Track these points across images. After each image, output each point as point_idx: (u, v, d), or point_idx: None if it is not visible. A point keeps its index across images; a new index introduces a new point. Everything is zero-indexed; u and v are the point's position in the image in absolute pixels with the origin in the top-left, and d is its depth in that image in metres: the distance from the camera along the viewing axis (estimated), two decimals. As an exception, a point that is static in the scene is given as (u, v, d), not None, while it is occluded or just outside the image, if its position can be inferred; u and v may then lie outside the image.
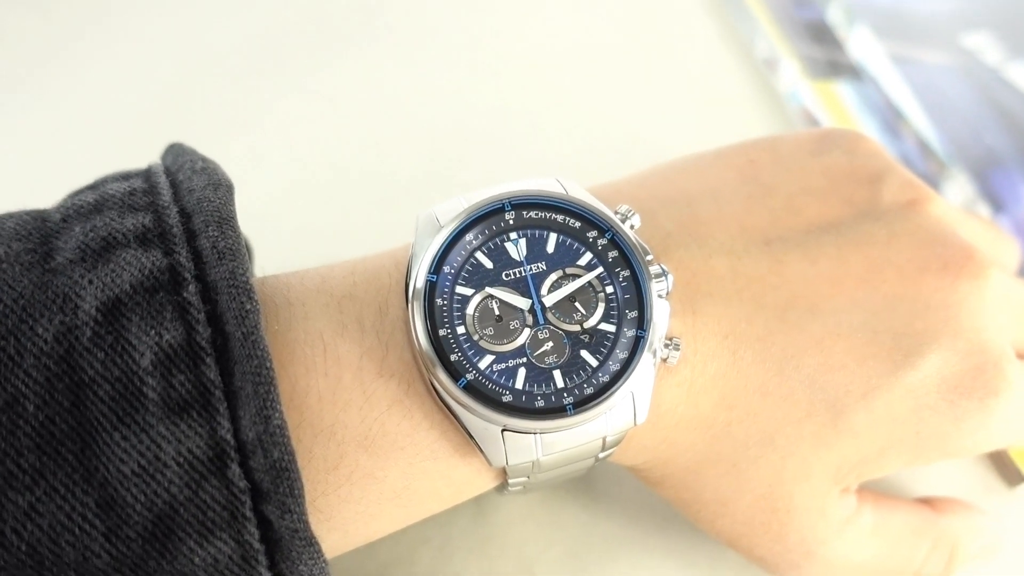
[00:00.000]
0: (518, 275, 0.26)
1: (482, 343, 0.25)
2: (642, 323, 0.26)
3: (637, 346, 0.26)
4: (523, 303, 0.26)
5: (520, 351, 0.25)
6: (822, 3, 0.51)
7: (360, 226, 0.41)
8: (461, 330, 0.25)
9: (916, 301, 0.28)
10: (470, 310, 0.26)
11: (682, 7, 0.53)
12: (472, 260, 0.26)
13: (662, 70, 0.49)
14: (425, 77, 0.49)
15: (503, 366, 0.25)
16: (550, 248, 0.27)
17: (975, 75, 0.48)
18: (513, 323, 0.26)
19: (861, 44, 0.49)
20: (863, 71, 0.48)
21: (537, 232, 0.27)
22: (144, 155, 0.30)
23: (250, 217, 0.29)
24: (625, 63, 0.50)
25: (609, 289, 0.26)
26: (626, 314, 0.26)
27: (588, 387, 0.25)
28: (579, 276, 0.26)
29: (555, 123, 0.47)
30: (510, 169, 0.44)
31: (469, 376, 0.25)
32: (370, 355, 0.25)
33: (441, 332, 0.25)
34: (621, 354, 0.26)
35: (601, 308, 0.26)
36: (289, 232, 0.41)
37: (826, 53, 0.49)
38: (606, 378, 0.25)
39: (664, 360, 0.26)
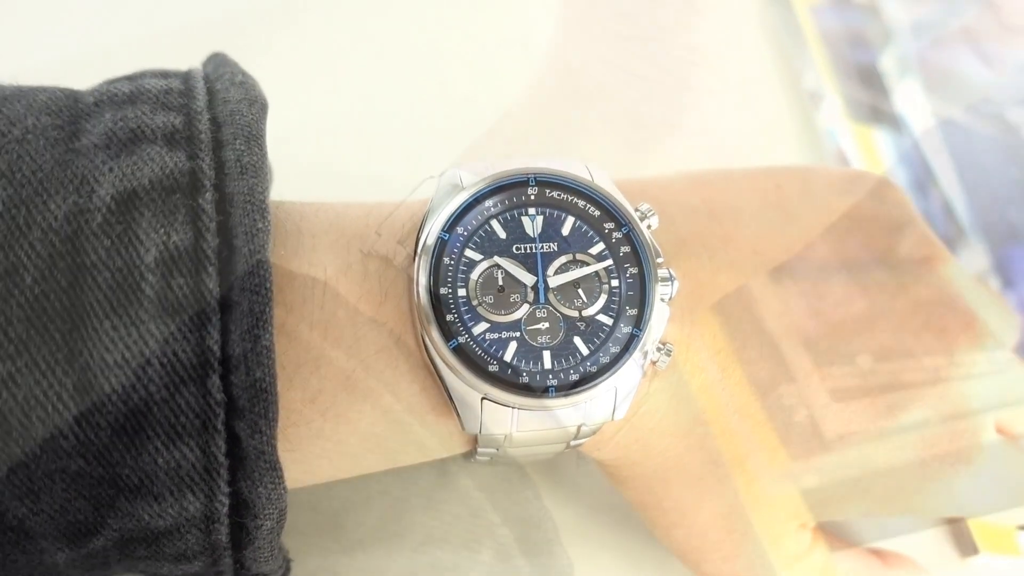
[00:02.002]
0: (528, 251, 0.26)
1: (480, 309, 0.25)
2: (639, 322, 0.26)
3: (630, 344, 0.26)
4: (528, 279, 0.26)
5: (515, 325, 0.26)
6: (877, 49, 0.51)
7: (381, 173, 0.41)
8: (462, 293, 0.25)
9: (909, 356, 0.29)
10: (474, 275, 0.26)
11: (740, 24, 0.52)
12: (486, 227, 0.26)
13: (706, 82, 0.49)
14: (476, 46, 0.48)
15: (496, 336, 0.25)
16: (565, 231, 0.27)
17: (1014, 150, 0.48)
18: (514, 296, 0.26)
19: (908, 97, 0.49)
20: (904, 123, 0.48)
21: (556, 212, 0.27)
22: (185, 61, 0.30)
23: (275, 141, 0.29)
24: (670, 69, 0.49)
25: (614, 283, 0.26)
26: (625, 310, 0.26)
27: (574, 373, 0.25)
28: (587, 264, 0.26)
29: (587, 116, 0.46)
30: (534, 152, 0.44)
31: (461, 339, 0.25)
32: (368, 298, 0.25)
33: (442, 291, 0.25)
34: (613, 348, 0.26)
35: (602, 299, 0.26)
36: (309, 165, 0.41)
37: (871, 98, 0.49)
38: (593, 368, 0.26)
39: (654, 363, 0.26)
